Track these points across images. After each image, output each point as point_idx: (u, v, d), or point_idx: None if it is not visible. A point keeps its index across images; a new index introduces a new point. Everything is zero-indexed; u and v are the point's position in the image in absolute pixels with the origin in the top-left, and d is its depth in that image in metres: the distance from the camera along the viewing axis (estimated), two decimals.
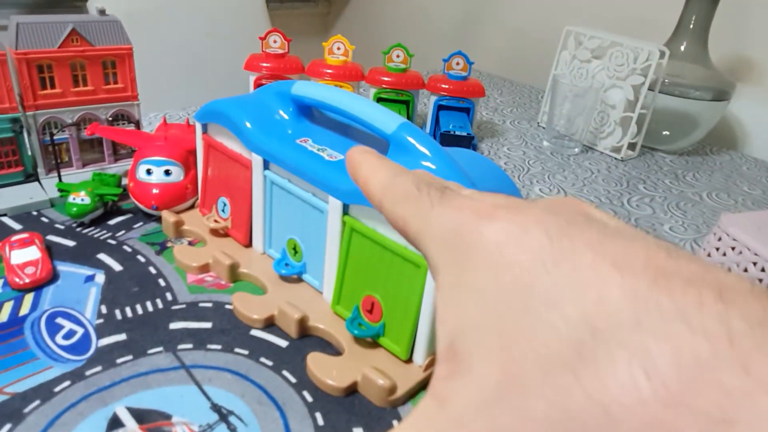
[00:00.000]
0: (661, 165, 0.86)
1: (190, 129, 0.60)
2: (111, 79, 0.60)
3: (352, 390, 0.38)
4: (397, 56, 0.81)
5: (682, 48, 0.84)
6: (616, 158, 0.86)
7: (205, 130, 0.52)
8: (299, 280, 0.48)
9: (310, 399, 0.37)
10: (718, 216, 0.69)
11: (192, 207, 0.57)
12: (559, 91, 0.84)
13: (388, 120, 0.41)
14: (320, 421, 0.36)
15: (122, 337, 0.41)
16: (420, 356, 0.39)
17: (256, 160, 0.47)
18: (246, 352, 0.41)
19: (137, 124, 0.62)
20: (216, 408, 0.36)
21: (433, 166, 0.39)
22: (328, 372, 0.38)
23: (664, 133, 0.89)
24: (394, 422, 0.37)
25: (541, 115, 0.97)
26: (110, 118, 0.61)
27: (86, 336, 0.41)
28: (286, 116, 0.48)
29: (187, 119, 0.61)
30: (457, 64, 0.82)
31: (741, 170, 0.87)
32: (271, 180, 0.46)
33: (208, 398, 0.37)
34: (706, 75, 0.84)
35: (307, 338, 0.43)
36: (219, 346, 0.41)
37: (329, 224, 0.42)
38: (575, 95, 0.83)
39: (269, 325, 0.44)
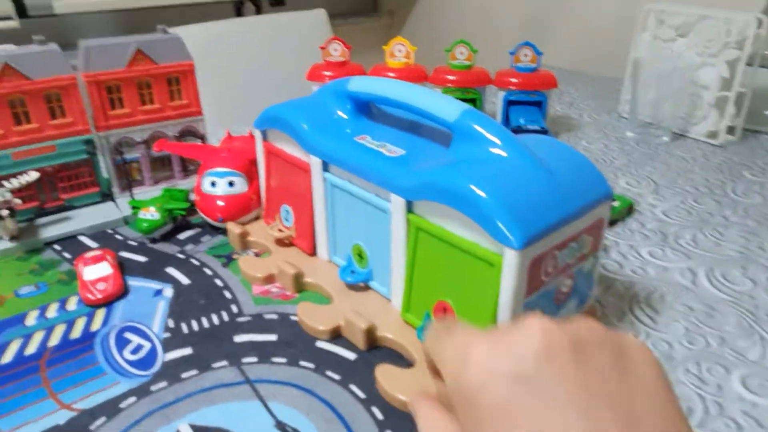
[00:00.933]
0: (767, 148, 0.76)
1: (253, 139, 0.60)
2: (176, 96, 0.60)
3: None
4: (461, 53, 0.78)
5: None
6: (713, 144, 0.78)
7: (265, 137, 0.51)
8: (366, 287, 0.45)
9: (380, 416, 0.34)
10: None
11: (257, 218, 0.56)
12: (642, 76, 0.77)
13: (449, 108, 0.38)
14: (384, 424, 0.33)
15: (188, 351, 0.40)
16: None
17: (315, 162, 0.44)
18: (312, 366, 0.38)
19: (203, 139, 0.62)
20: (281, 426, 0.33)
21: (504, 154, 0.35)
22: (400, 386, 0.35)
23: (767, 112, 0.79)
24: None
25: (623, 105, 0.90)
26: (177, 135, 0.62)
27: (153, 350, 0.40)
28: (344, 115, 0.46)
29: (249, 131, 0.60)
30: (525, 56, 0.77)
31: None
32: (331, 182, 0.44)
33: (273, 415, 0.34)
34: None
35: (377, 349, 0.40)
36: (284, 360, 0.39)
37: (393, 224, 0.39)
38: (660, 78, 0.75)
39: (336, 336, 0.41)
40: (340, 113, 0.46)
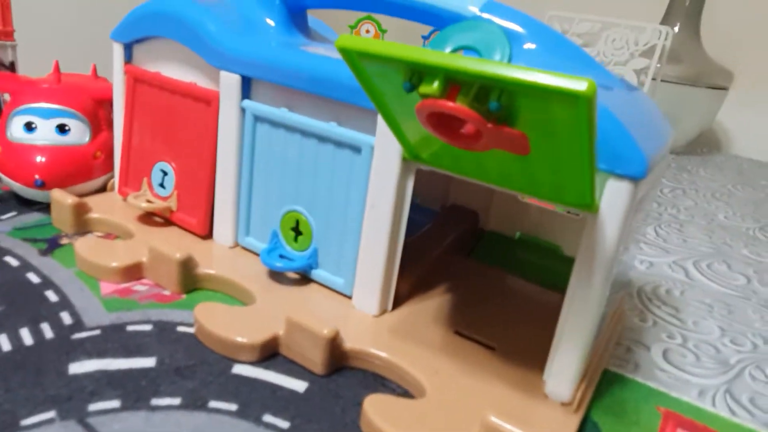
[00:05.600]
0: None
1: (101, 80, 0.40)
2: None
3: None
4: (367, 31, 0.66)
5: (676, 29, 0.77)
6: None
7: (129, 58, 0.33)
8: (305, 280, 0.29)
9: None
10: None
11: (104, 189, 0.37)
12: None
13: None
14: None
15: None
16: (563, 385, 0.22)
17: (228, 84, 0.28)
18: (233, 408, 0.21)
19: (12, 69, 0.41)
20: None
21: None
22: (411, 426, 0.20)
23: None
24: None
25: None
26: None
27: None
28: (271, 22, 0.30)
29: (94, 66, 0.40)
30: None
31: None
32: (253, 114, 0.28)
33: None
34: (704, 60, 0.77)
35: (339, 374, 0.24)
36: (176, 400, 0.21)
37: (376, 172, 0.24)
38: None
39: (268, 356, 0.24)
40: (267, 20, 0.30)
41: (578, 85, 0.14)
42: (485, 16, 0.24)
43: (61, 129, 0.34)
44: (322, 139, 0.26)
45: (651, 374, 0.27)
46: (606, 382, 0.26)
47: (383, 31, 0.67)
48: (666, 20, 0.78)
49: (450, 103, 0.16)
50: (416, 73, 0.16)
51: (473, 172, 0.22)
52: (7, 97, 0.36)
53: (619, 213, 0.19)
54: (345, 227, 0.27)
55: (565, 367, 0.22)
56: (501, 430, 0.19)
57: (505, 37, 0.19)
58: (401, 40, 0.25)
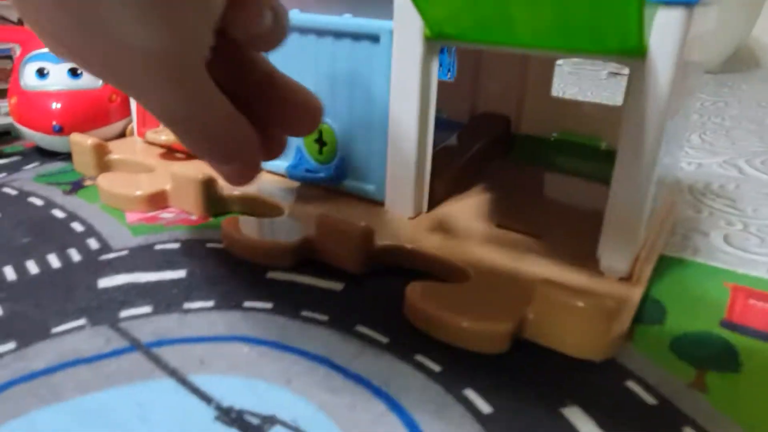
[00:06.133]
0: None
1: None
2: None
3: (514, 338, 0.18)
4: None
5: None
6: None
7: None
8: (334, 193, 0.27)
9: (435, 367, 0.17)
10: None
11: (123, 136, 0.36)
12: None
13: None
14: (483, 407, 0.16)
15: None
16: (620, 257, 0.20)
17: None
18: (268, 306, 0.20)
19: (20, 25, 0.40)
20: (229, 414, 0.15)
21: None
22: (463, 307, 0.18)
23: None
24: (634, 387, 0.17)
25: None
26: None
27: None
28: None
29: None
30: None
31: None
32: None
33: (207, 399, 0.15)
34: None
35: (376, 275, 0.23)
36: (209, 303, 0.20)
37: (398, 58, 0.23)
38: None
39: (301, 261, 0.23)
40: None
41: None
42: None
43: (74, 72, 0.33)
44: (337, 35, 0.25)
45: (713, 256, 0.25)
46: (664, 266, 0.24)
47: None
48: None
49: None
50: None
51: (502, 35, 0.20)
52: (17, 50, 0.36)
53: (672, 50, 0.17)
54: (370, 128, 0.25)
55: (620, 238, 0.20)
56: (562, 300, 0.17)
57: None
58: None
